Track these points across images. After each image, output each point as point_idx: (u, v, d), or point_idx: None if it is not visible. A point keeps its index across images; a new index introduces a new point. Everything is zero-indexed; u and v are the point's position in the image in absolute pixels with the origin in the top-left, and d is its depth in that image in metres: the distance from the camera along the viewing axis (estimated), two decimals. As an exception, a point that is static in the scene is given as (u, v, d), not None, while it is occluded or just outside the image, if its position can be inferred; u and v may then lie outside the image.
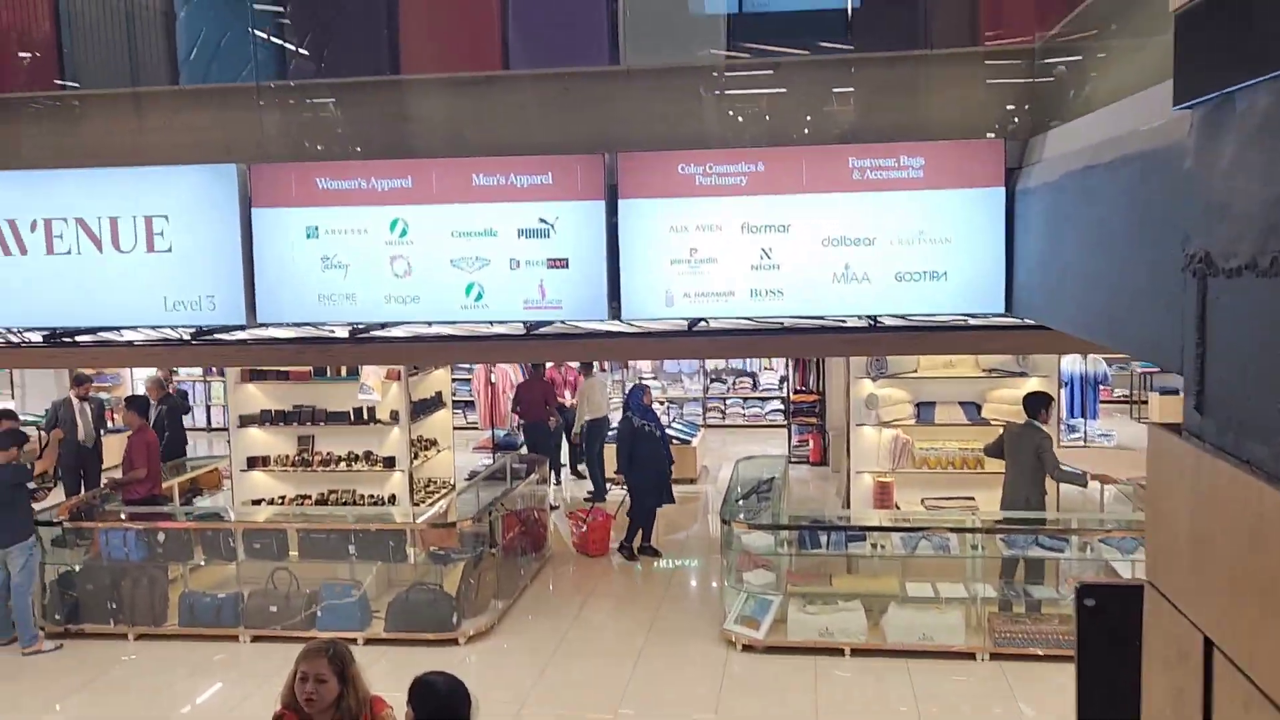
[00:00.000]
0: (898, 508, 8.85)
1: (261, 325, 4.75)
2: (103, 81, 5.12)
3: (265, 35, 4.93)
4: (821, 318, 4.48)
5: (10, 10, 5.11)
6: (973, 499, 9.03)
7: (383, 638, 7.92)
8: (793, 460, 13.74)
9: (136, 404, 9.15)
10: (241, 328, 4.80)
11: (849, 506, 9.24)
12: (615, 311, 4.60)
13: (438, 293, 4.66)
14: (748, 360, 17.42)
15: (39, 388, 14.50)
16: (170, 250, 4.75)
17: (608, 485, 11.88)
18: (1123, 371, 15.97)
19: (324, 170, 4.65)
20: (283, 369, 9.95)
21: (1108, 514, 8.21)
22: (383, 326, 5.07)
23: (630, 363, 16.21)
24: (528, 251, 4.58)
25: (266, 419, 10.01)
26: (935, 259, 4.34)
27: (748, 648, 7.96)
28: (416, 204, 4.61)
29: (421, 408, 10.31)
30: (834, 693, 7.17)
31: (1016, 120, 4.37)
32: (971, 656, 7.66)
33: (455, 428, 12.55)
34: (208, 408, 17.20)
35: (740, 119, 4.62)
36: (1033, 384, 8.80)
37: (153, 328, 4.88)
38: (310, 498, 9.96)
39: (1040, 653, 7.54)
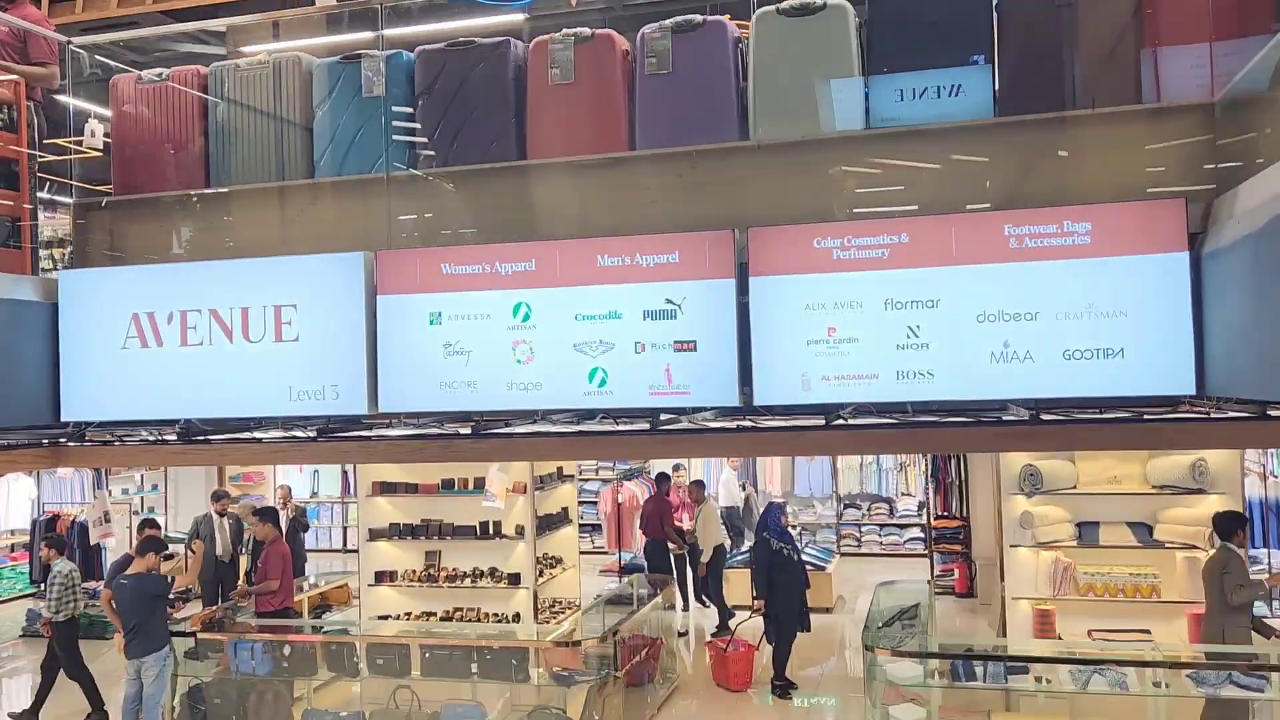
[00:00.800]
0: (1060, 639, 7.94)
1: (383, 415, 4.62)
2: (246, 181, 5.26)
3: (396, 132, 4.98)
4: (977, 403, 4.03)
5: (166, 118, 5.34)
6: (1148, 632, 8.05)
7: (502, 764, 7.46)
8: (936, 591, 12.78)
9: (269, 515, 9.22)
10: (364, 418, 4.68)
11: (1005, 636, 8.37)
12: (747, 397, 4.26)
13: (560, 378, 4.44)
14: (883, 485, 16.62)
15: (190, 507, 15.00)
16: (297, 339, 4.72)
17: (733, 611, 11.24)
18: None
19: (448, 255, 4.57)
20: (411, 482, 9.91)
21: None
22: (504, 422, 4.87)
23: (759, 485, 15.67)
24: (653, 334, 4.34)
25: (395, 532, 9.93)
26: (1109, 335, 3.86)
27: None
28: (539, 287, 4.46)
29: (547, 523, 10.05)
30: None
31: (1196, 183, 3.93)
32: (1159, 812, 6.65)
33: (581, 552, 12.23)
34: (344, 529, 17.42)
35: (879, 191, 4.33)
36: (1213, 502, 7.89)
37: (279, 418, 4.82)
38: (435, 614, 9.72)
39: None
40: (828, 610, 12.81)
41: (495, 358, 4.51)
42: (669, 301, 4.32)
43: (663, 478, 12.53)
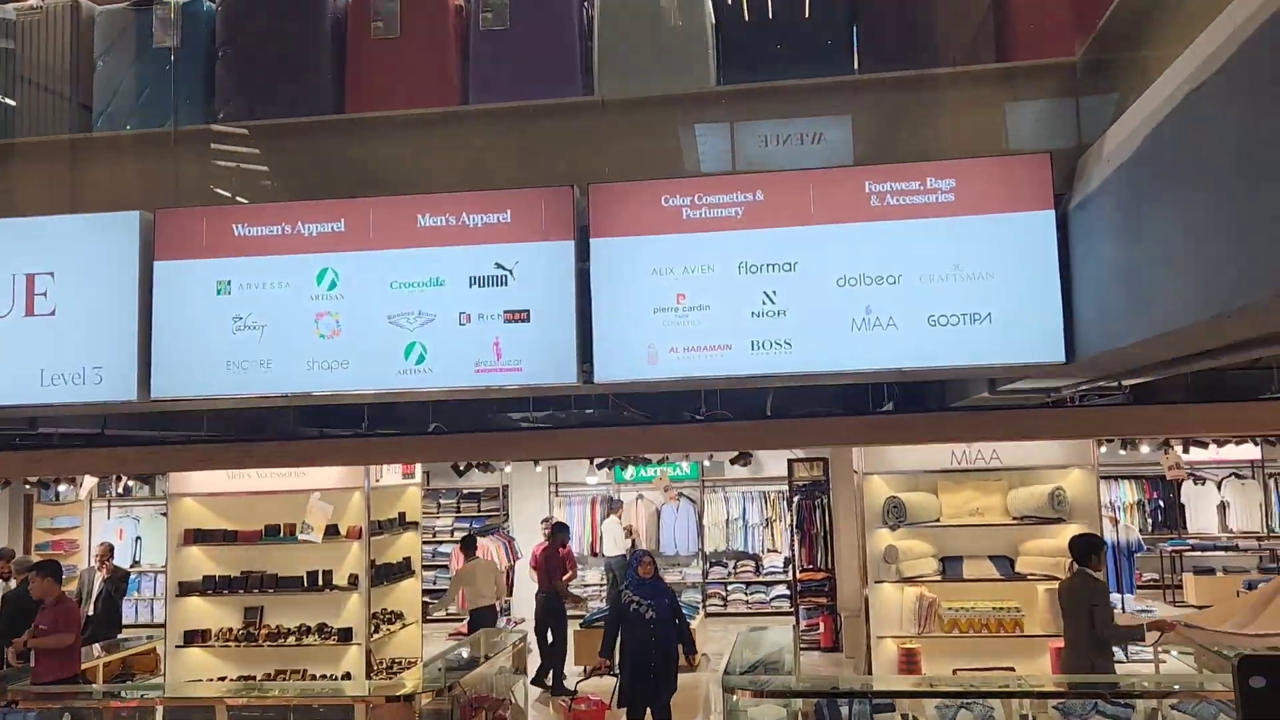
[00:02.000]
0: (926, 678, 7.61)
1: (155, 400, 3.88)
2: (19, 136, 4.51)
3: (193, 86, 4.35)
4: (839, 374, 3.63)
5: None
6: (1013, 669, 7.80)
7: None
8: (802, 647, 12.38)
9: (49, 569, 7.97)
10: (130, 404, 3.93)
11: (870, 673, 7.98)
12: (587, 374, 3.75)
13: (371, 355, 3.83)
14: (750, 542, 16.28)
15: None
16: (53, 314, 3.96)
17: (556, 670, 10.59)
18: (1150, 553, 14.80)
19: (241, 215, 3.94)
20: (230, 529, 8.89)
21: (1178, 675, 7.00)
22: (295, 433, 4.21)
23: (625, 531, 15.04)
24: (481, 304, 3.80)
25: (210, 586, 8.85)
26: (975, 298, 3.55)
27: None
28: (349, 251, 3.87)
29: (385, 573, 9.17)
30: None
31: (1062, 144, 3.70)
32: None
33: (429, 619, 11.31)
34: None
35: (733, 150, 3.95)
36: (1072, 531, 7.78)
37: (28, 406, 4.01)
38: (255, 677, 8.66)
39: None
40: (691, 669, 12.23)
41: (295, 332, 3.87)
42: (499, 267, 3.80)
43: (560, 527, 11.77)
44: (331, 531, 8.71)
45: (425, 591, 11.19)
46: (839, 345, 3.61)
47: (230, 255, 3.92)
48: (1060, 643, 7.66)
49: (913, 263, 3.59)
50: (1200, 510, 15.58)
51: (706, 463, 16.41)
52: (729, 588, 16.08)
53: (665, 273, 3.72)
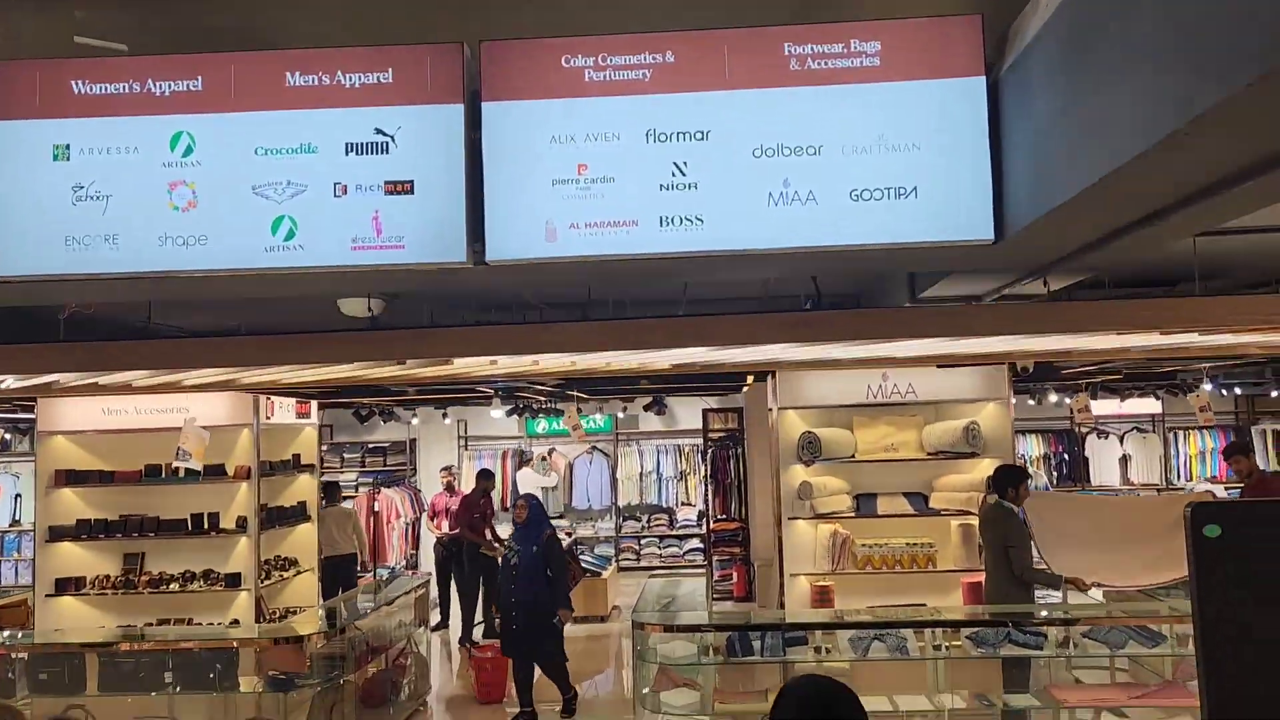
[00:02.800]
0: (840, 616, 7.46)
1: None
2: None
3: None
4: (753, 250, 3.33)
5: None
6: (925, 605, 7.72)
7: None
8: (715, 596, 12.27)
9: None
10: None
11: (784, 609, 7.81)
12: (478, 253, 3.39)
13: (233, 230, 3.41)
14: (664, 495, 16.10)
15: None
16: None
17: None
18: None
19: (82, 70, 3.44)
20: (106, 469, 8.27)
21: (1090, 605, 6.99)
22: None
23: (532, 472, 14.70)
24: (358, 173, 3.40)
25: (84, 531, 8.23)
26: (900, 171, 3.28)
27: (670, 787, 6.35)
28: (207, 112, 3.42)
29: (279, 517, 8.66)
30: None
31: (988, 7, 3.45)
32: (941, 779, 6.19)
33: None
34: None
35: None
36: (986, 466, 7.72)
37: None
38: (136, 627, 8.10)
39: (1027, 776, 6.14)
40: (602, 619, 12.03)
41: (144, 204, 3.41)
42: (379, 133, 3.40)
43: (485, 474, 11.30)
44: (217, 471, 8.16)
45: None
46: (755, 221, 3.31)
47: (69, 116, 3.43)
48: (972, 578, 7.62)
49: (834, 132, 3.31)
50: (1103, 463, 15.95)
51: (620, 414, 16.15)
52: (642, 542, 15.91)
53: (565, 141, 3.37)
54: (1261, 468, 10.95)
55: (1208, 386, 12.53)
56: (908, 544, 7.76)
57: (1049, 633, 6.46)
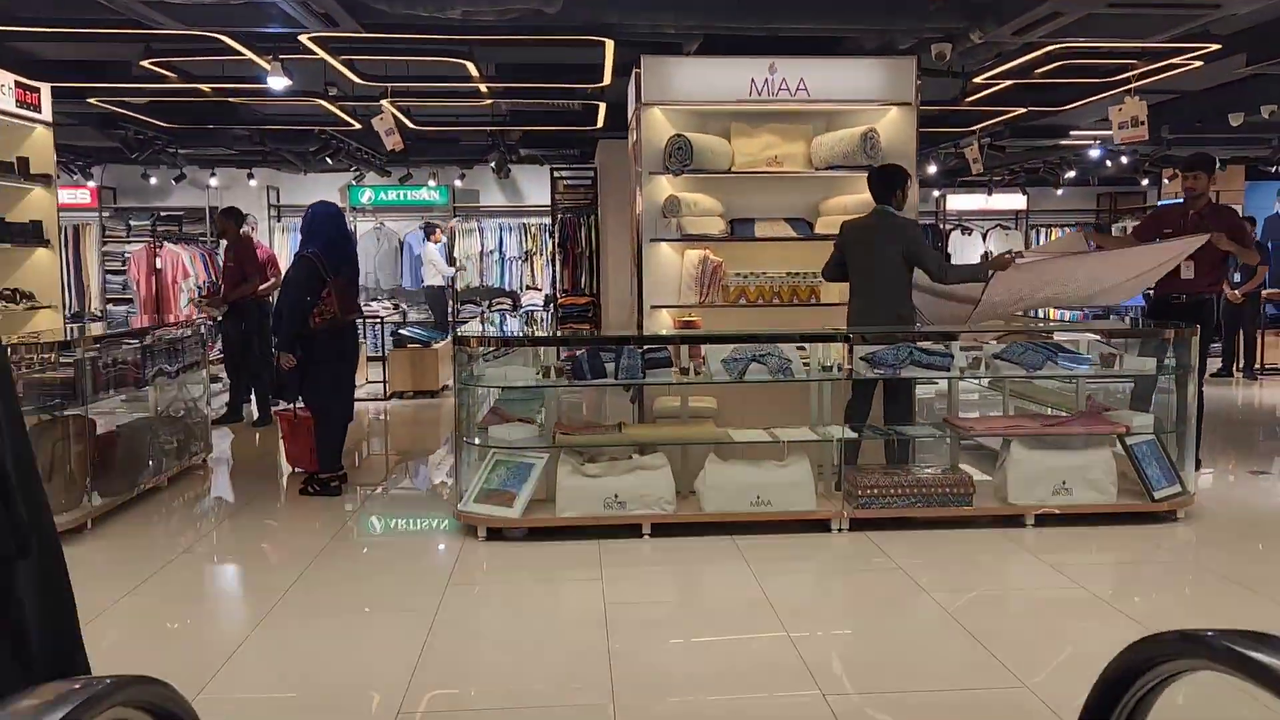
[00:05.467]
0: (705, 361, 6.26)
1: None
2: None
3: None
4: None
5: None
6: (803, 350, 6.66)
7: None
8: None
9: None
10: None
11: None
12: None
13: None
14: (507, 278, 14.60)
15: None
16: None
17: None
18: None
19: None
20: None
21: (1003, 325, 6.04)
22: None
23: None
24: None
25: None
26: None
27: (496, 534, 5.13)
28: None
29: (5, 233, 6.69)
30: (626, 590, 4.45)
31: None
32: (825, 526, 5.22)
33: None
34: None
35: None
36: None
37: None
38: None
39: (919, 514, 5.22)
40: (433, 394, 10.65)
41: None
42: None
43: (231, 213, 9.32)
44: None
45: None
46: None
47: None
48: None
49: None
50: (965, 258, 15.45)
51: (458, 183, 14.36)
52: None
53: None
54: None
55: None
56: (789, 274, 6.58)
57: (956, 352, 5.45)
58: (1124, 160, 11.70)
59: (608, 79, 7.15)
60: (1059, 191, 15.33)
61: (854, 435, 5.43)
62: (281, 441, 7.06)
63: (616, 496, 5.07)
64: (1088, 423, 5.45)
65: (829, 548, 5.07)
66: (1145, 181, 14.43)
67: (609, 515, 5.07)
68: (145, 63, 6.62)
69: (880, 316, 5.70)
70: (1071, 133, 10.20)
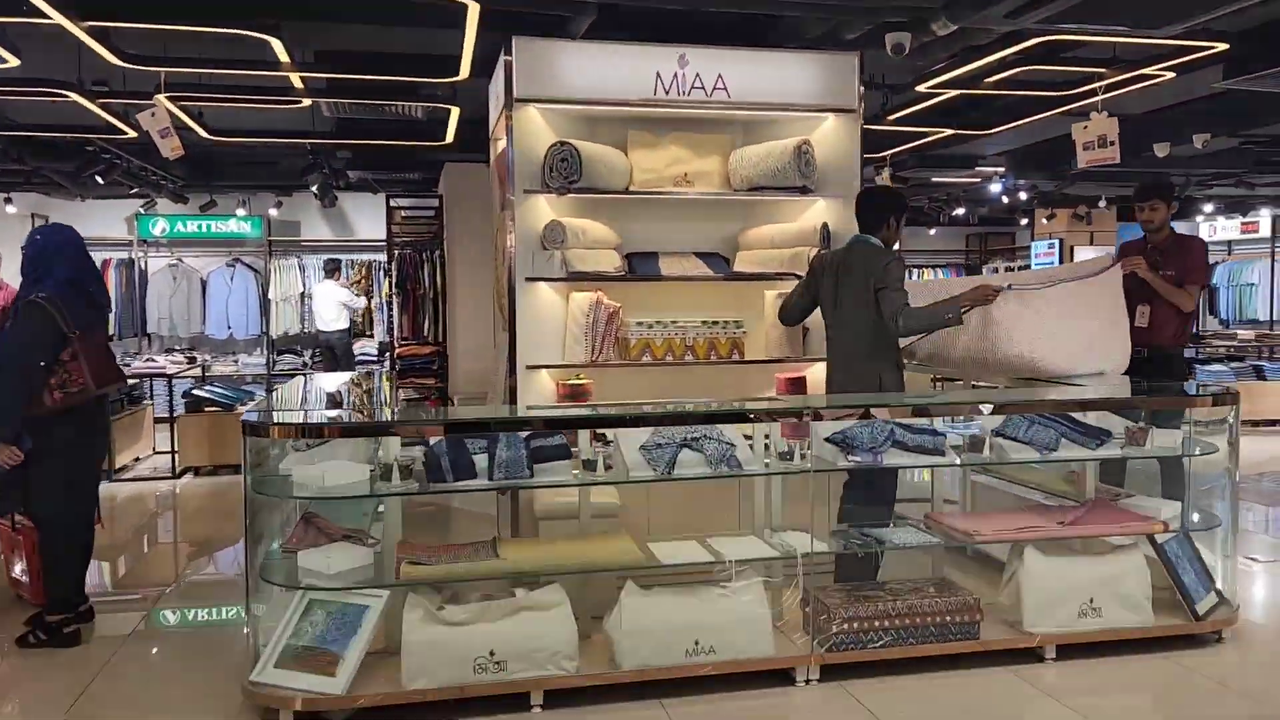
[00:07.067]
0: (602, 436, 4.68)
1: None
2: None
3: None
4: None
5: None
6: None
7: None
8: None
9: None
10: None
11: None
12: None
13: None
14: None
15: None
16: None
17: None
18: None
19: None
20: None
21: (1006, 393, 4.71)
22: None
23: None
24: None
25: None
26: None
27: (311, 719, 3.37)
28: None
29: None
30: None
31: None
32: (787, 677, 3.72)
33: None
34: None
35: None
36: (821, 210, 5.21)
37: None
38: None
39: (912, 654, 3.81)
40: (237, 469, 8.59)
41: None
42: None
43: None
44: None
45: None
46: None
47: None
48: (795, 371, 5.16)
49: None
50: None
51: (274, 213, 12.31)
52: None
53: None
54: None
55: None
56: (705, 323, 5.12)
57: (946, 430, 4.09)
58: (1022, 196, 10.97)
59: (465, 71, 5.53)
60: (932, 231, 14.68)
61: (821, 546, 3.96)
62: (6, 554, 5.00)
63: (492, 654, 3.41)
64: (1114, 518, 4.19)
65: (796, 709, 3.58)
66: (1024, 221, 13.91)
67: (482, 682, 3.40)
68: None
69: (855, 377, 4.32)
70: (977, 165, 9.30)
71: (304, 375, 10.08)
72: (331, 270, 11.63)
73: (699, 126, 5.23)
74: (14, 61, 4.90)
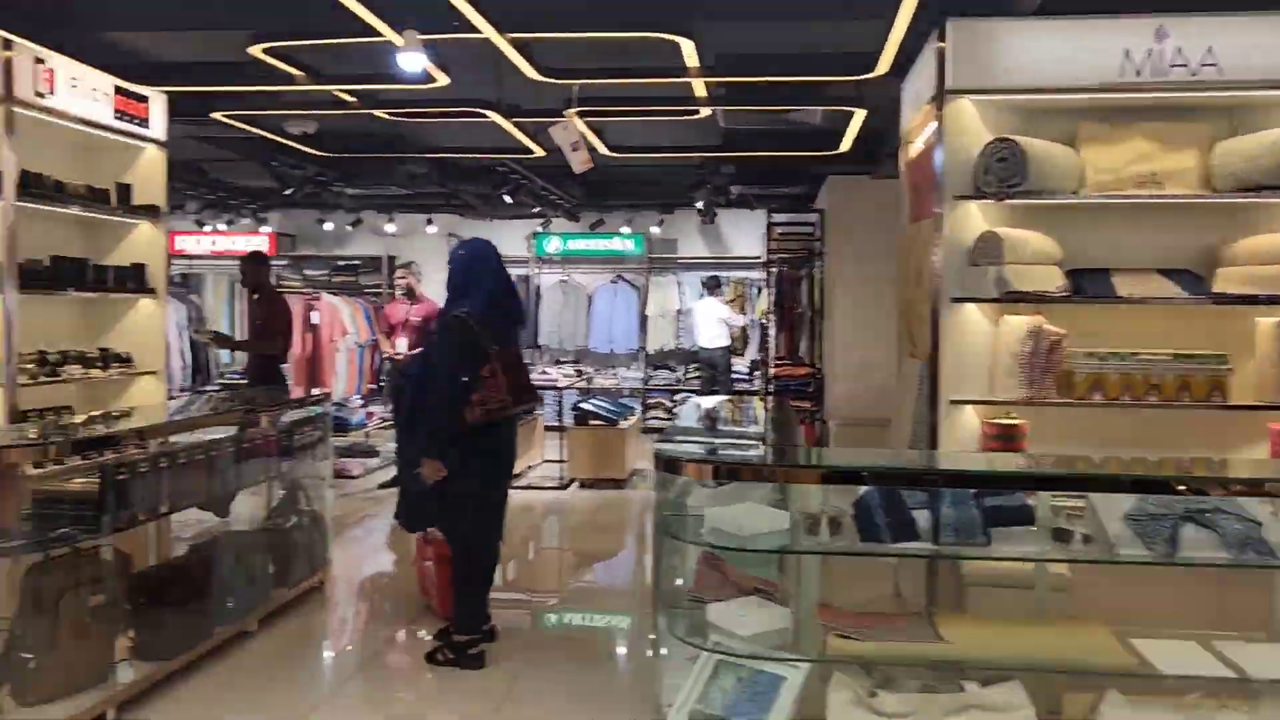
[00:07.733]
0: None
1: None
2: None
3: None
4: None
5: None
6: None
7: None
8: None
9: None
10: None
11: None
12: None
13: None
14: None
15: None
16: None
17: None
18: None
19: None
20: None
21: None
22: None
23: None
24: None
25: None
26: None
27: (717, 808, 2.97)
28: None
29: (75, 276, 5.23)
30: None
31: None
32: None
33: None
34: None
35: None
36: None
37: None
38: None
39: None
40: (618, 484, 8.67)
41: None
42: None
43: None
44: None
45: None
46: None
47: None
48: (1301, 418, 4.04)
49: None
50: None
51: (655, 230, 12.54)
52: (676, 397, 12.49)
53: None
54: None
55: None
56: (1175, 356, 4.16)
57: None
58: None
59: (884, 65, 4.97)
60: None
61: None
62: (419, 562, 5.20)
63: (933, 755, 2.80)
64: None
65: None
66: None
67: (919, 790, 2.81)
68: (256, 50, 5.04)
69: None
70: None
71: (692, 395, 10.08)
72: (712, 287, 11.61)
73: (1172, 114, 4.27)
74: (444, 80, 5.09)
